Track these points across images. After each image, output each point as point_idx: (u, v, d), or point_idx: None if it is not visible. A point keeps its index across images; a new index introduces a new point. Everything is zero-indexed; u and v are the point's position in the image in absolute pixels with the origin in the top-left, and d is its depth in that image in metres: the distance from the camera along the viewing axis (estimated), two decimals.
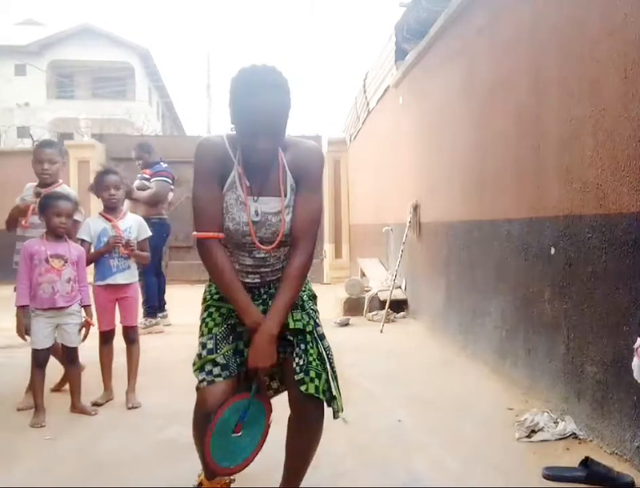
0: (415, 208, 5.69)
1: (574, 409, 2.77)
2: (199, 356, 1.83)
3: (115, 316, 3.38)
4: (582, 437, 2.65)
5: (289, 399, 1.83)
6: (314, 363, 1.78)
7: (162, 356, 4.35)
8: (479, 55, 4.11)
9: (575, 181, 2.77)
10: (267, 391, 1.95)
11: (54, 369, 3.10)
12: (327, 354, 1.85)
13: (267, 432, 1.89)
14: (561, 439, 2.65)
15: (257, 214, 1.79)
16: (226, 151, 1.77)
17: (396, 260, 6.03)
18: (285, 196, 1.81)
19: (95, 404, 3.23)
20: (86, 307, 3.12)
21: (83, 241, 3.28)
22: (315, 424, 1.81)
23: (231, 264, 1.82)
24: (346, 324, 5.74)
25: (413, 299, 6.04)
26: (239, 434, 1.81)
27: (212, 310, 1.91)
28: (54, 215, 2.97)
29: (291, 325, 1.81)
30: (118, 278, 3.32)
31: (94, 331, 3.23)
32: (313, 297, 1.99)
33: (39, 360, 3.00)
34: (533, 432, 2.70)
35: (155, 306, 5.67)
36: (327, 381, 1.79)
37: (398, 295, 6.16)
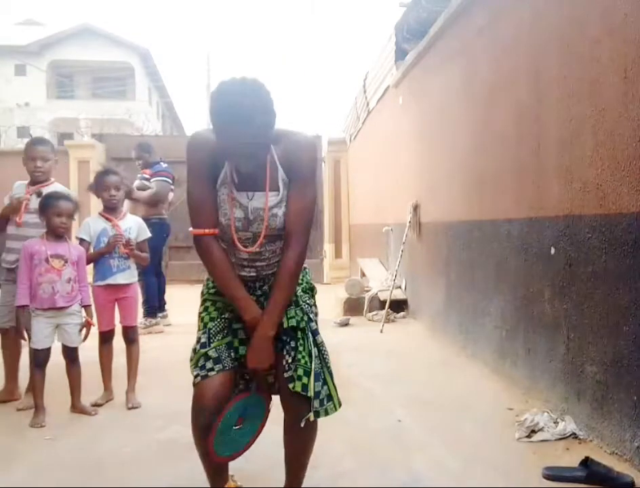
0: (415, 208, 5.69)
1: (574, 409, 2.77)
2: (194, 350, 1.83)
3: (115, 316, 3.38)
4: (582, 437, 2.65)
5: (281, 397, 1.83)
6: (302, 361, 1.77)
7: (162, 356, 4.35)
8: (479, 55, 4.11)
9: (575, 181, 2.77)
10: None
11: (54, 369, 3.10)
12: (320, 350, 1.84)
13: (267, 417, 1.91)
14: (561, 439, 2.65)
15: (248, 210, 1.78)
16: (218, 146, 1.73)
17: (396, 260, 6.03)
18: (278, 191, 1.79)
19: (95, 404, 3.24)
20: (86, 307, 3.12)
21: (82, 240, 3.28)
22: (306, 422, 1.79)
23: (229, 260, 1.82)
24: (346, 324, 5.75)
25: (413, 299, 6.03)
26: (240, 426, 1.83)
27: (208, 304, 1.91)
28: (55, 215, 2.97)
29: (285, 324, 1.81)
30: (119, 278, 3.32)
31: (94, 331, 3.23)
32: (310, 290, 1.96)
33: (39, 360, 3.00)
34: (533, 432, 2.70)
35: (155, 306, 5.67)
36: (321, 378, 1.78)
37: (398, 295, 6.16)
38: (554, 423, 2.75)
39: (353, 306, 6.24)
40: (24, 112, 22.50)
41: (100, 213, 3.42)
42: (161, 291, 5.89)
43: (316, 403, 1.76)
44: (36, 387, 3.01)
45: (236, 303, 1.79)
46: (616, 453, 2.43)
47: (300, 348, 1.79)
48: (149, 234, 3.54)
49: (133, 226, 3.42)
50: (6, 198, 3.38)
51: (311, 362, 1.78)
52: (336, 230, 10.28)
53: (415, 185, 5.81)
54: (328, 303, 6.41)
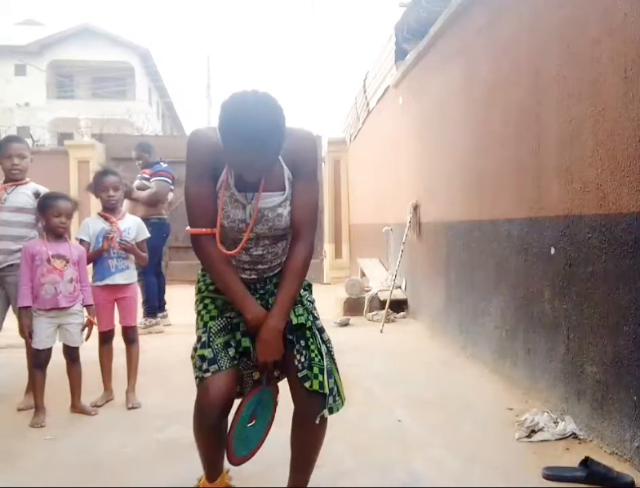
0: (415, 208, 5.69)
1: (574, 409, 2.77)
2: (195, 349, 1.82)
3: (114, 317, 3.38)
4: (582, 437, 2.65)
5: (293, 396, 1.82)
6: (316, 359, 1.78)
7: (162, 356, 4.35)
8: (479, 55, 4.11)
9: (575, 181, 2.77)
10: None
11: (55, 369, 3.10)
12: (328, 347, 1.85)
13: (275, 410, 1.93)
14: (561, 439, 2.65)
15: (249, 211, 1.77)
16: (220, 146, 1.67)
17: (396, 260, 6.03)
18: (283, 190, 1.79)
19: (95, 404, 3.24)
20: (88, 307, 3.12)
21: (81, 241, 3.28)
22: (321, 418, 1.81)
23: (227, 259, 1.80)
24: (346, 324, 5.74)
25: (413, 299, 6.03)
26: (253, 423, 1.84)
27: (207, 301, 1.89)
28: (53, 215, 2.97)
29: (294, 321, 1.80)
30: (117, 279, 3.32)
31: (94, 331, 3.23)
32: (308, 287, 1.97)
33: (40, 360, 3.00)
34: (533, 432, 2.70)
35: (155, 306, 5.66)
36: (331, 375, 1.79)
37: (398, 295, 6.16)
38: (554, 423, 2.75)
39: (353, 306, 6.24)
40: (24, 112, 22.48)
41: (99, 214, 3.42)
42: (161, 291, 5.89)
43: (330, 400, 1.78)
44: (36, 387, 3.01)
45: (237, 303, 1.78)
46: (616, 453, 2.43)
47: (312, 347, 1.79)
48: (148, 235, 3.53)
49: (132, 226, 3.42)
50: None
51: (323, 360, 1.79)
52: (336, 230, 10.28)
53: (415, 185, 5.81)
54: (328, 303, 6.41)
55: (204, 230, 1.76)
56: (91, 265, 3.29)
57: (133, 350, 3.40)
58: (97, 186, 3.37)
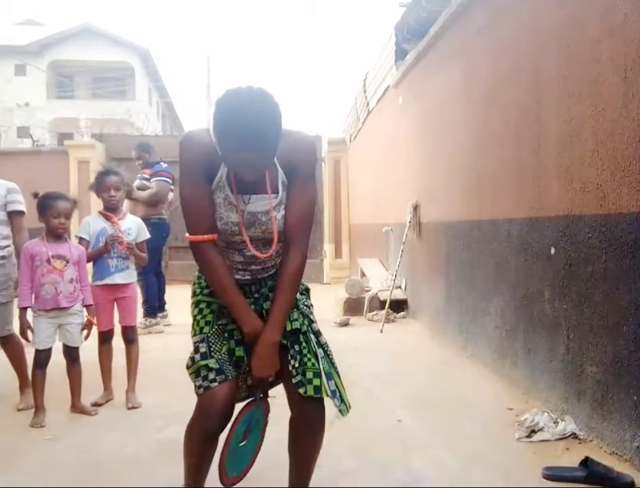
0: (415, 208, 5.69)
1: (574, 409, 2.77)
2: (192, 359, 1.77)
3: (114, 317, 3.38)
4: (582, 437, 2.65)
5: (289, 402, 1.81)
6: (309, 363, 1.75)
7: (162, 356, 4.35)
8: (479, 55, 4.10)
9: (575, 181, 2.77)
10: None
11: (55, 369, 3.10)
12: (326, 351, 1.83)
13: (265, 431, 1.91)
14: (561, 439, 2.65)
15: (245, 213, 1.73)
16: (213, 148, 1.61)
17: (396, 260, 6.03)
18: (276, 193, 1.74)
19: (95, 404, 3.24)
20: (88, 307, 3.12)
21: (81, 239, 3.28)
22: (318, 424, 1.80)
23: (228, 267, 1.76)
24: (346, 325, 5.74)
25: (413, 299, 6.03)
26: (244, 442, 1.82)
27: (202, 305, 1.85)
28: (52, 216, 2.97)
29: (289, 327, 1.78)
30: (117, 278, 3.32)
31: (94, 331, 3.23)
32: (305, 291, 1.94)
33: (40, 360, 3.00)
34: (533, 432, 2.70)
35: (155, 306, 5.67)
36: (330, 378, 1.77)
37: (398, 295, 6.16)
38: (554, 423, 2.75)
39: (353, 306, 6.24)
40: (24, 112, 22.48)
41: (99, 212, 3.42)
42: (161, 291, 5.89)
43: (336, 401, 1.76)
44: (36, 387, 3.01)
45: (236, 314, 1.74)
46: (616, 453, 2.43)
47: (305, 351, 1.77)
48: (148, 235, 3.53)
49: (132, 226, 3.42)
50: None
51: (319, 364, 1.76)
52: (336, 230, 10.28)
53: (415, 185, 5.81)
54: (328, 304, 6.42)
55: (204, 236, 1.70)
56: (90, 264, 3.29)
57: (133, 350, 3.41)
58: (99, 186, 3.38)
